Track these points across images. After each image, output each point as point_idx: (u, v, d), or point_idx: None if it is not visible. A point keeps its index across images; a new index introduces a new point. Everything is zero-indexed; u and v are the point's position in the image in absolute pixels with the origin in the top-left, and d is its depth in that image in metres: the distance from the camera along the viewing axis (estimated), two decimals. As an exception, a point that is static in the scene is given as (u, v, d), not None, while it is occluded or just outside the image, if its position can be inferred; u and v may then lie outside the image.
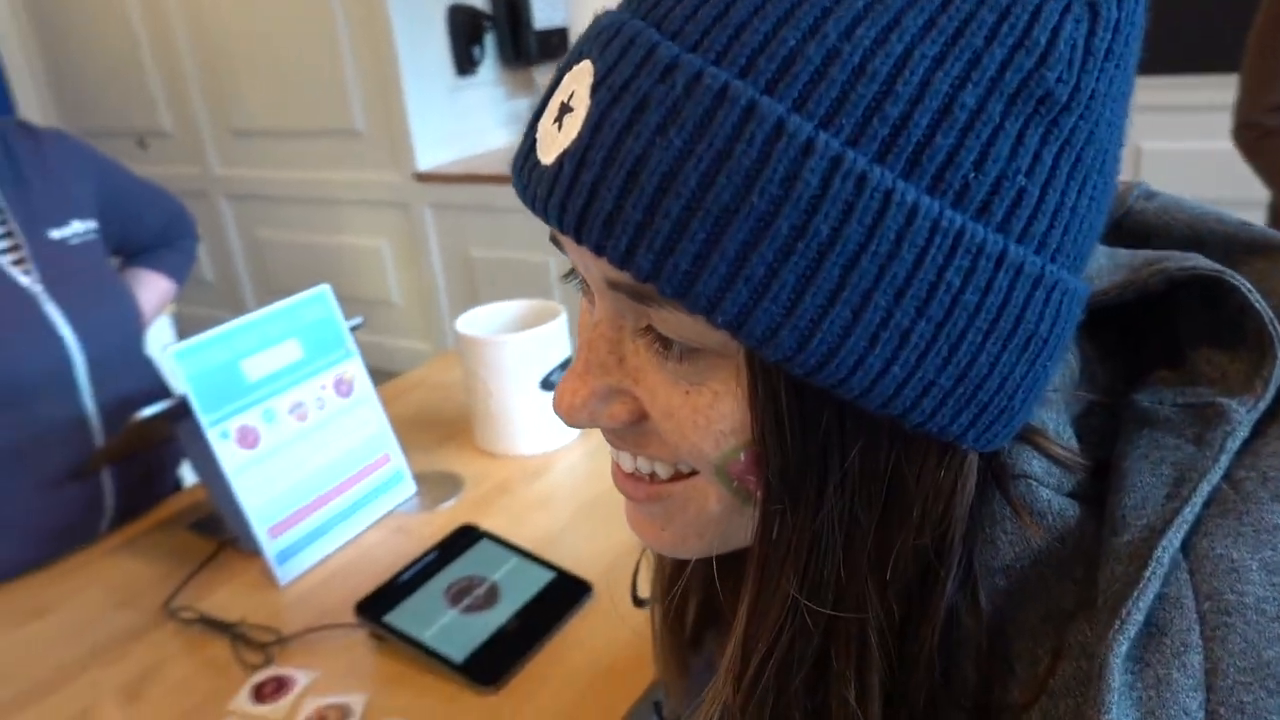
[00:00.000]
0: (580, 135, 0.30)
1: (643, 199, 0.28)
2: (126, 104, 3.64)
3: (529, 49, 3.20)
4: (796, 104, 0.28)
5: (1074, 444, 0.37)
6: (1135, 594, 0.30)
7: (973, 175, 0.28)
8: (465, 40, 3.07)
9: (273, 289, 3.59)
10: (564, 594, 0.89)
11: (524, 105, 3.44)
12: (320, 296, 1.05)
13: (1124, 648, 0.30)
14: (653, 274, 0.29)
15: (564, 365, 1.17)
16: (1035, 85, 0.28)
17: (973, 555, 0.35)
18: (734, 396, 0.33)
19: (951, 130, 0.28)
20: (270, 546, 0.95)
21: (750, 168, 0.27)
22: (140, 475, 1.16)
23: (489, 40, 3.17)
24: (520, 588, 0.89)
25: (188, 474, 1.31)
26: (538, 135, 0.33)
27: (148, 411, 0.93)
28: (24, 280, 1.04)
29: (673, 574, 0.51)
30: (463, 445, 1.23)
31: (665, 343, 0.33)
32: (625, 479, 0.40)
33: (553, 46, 3.30)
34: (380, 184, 3.18)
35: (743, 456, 0.34)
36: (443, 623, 0.85)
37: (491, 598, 0.88)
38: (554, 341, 1.14)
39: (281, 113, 3.28)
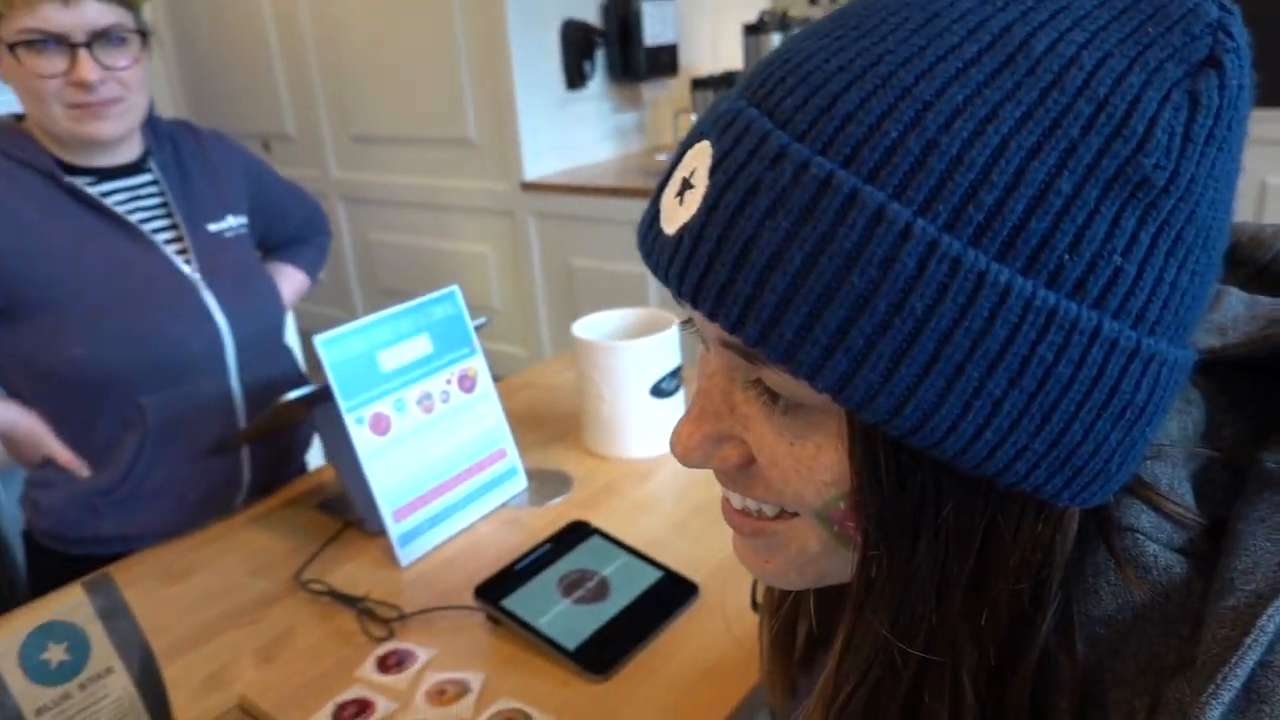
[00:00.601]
0: (699, 212, 0.33)
1: (752, 274, 0.31)
2: (255, 107, 3.85)
3: (638, 65, 3.27)
4: (896, 192, 0.30)
5: (1188, 500, 0.37)
6: (1234, 659, 0.31)
7: (1067, 257, 0.30)
8: (577, 55, 3.15)
9: (380, 289, 3.74)
10: (671, 593, 0.92)
11: (630, 119, 3.51)
12: (451, 295, 1.11)
13: (1217, 712, 0.30)
14: (760, 341, 0.32)
15: (675, 373, 1.20)
16: (1132, 171, 0.29)
17: (1071, 603, 0.36)
18: (835, 450, 0.35)
19: (1046, 215, 0.29)
20: (394, 529, 1.01)
21: (851, 251, 0.30)
22: (273, 455, 1.24)
23: (599, 55, 3.25)
24: (629, 584, 0.93)
25: (312, 459, 1.39)
26: (661, 206, 0.36)
27: (293, 394, 1.00)
28: (186, 269, 1.13)
29: (781, 596, 0.53)
30: (571, 445, 1.27)
31: (773, 396, 0.36)
32: (733, 513, 0.42)
33: (661, 63, 3.37)
34: (488, 192, 3.28)
35: (842, 505, 0.36)
36: (556, 611, 0.89)
37: (601, 591, 0.92)
38: (666, 350, 1.18)
39: (399, 120, 3.42)
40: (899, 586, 0.36)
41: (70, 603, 0.57)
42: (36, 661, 0.54)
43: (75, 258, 1.05)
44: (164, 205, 1.15)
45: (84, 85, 1.01)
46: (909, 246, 0.29)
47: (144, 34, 1.07)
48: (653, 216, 0.36)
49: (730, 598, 0.92)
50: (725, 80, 3.27)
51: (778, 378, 0.34)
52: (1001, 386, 0.30)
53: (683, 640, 0.88)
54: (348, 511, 1.10)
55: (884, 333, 0.30)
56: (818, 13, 3.95)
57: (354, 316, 3.82)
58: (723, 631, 0.88)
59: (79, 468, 1.11)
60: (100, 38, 1.01)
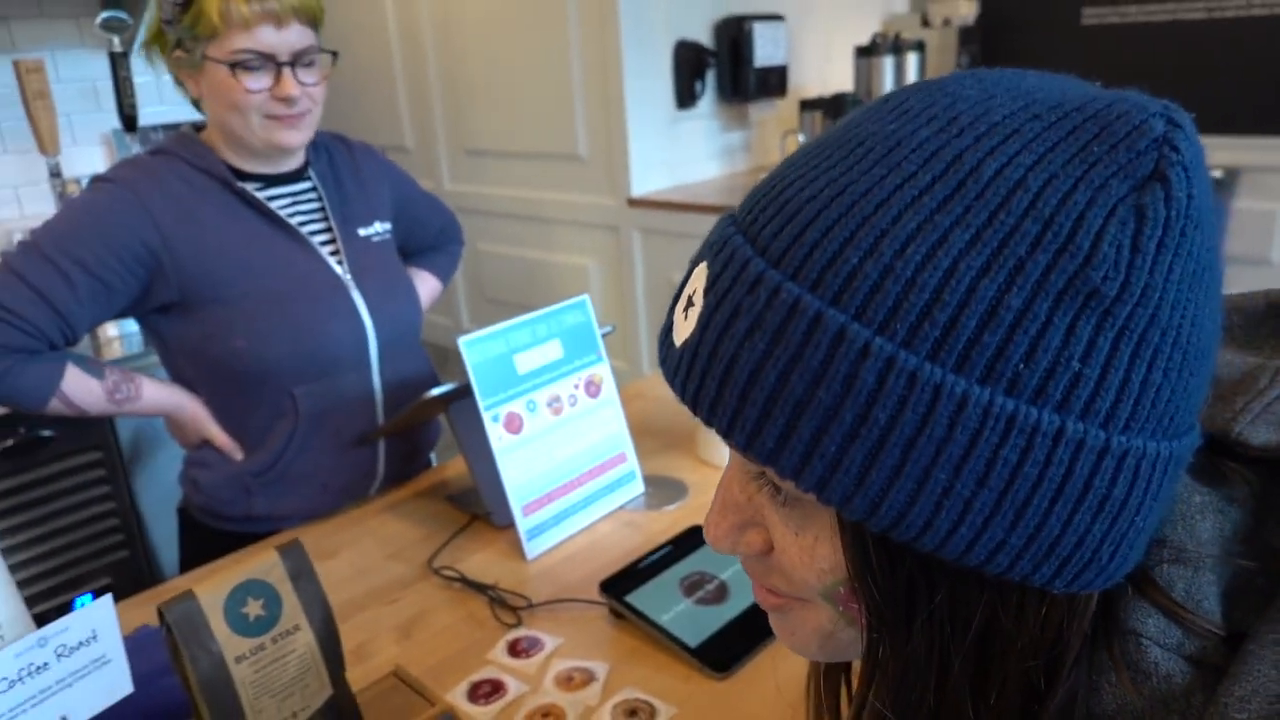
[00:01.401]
0: (695, 330, 0.37)
1: (736, 389, 0.35)
2: (377, 120, 4.03)
3: (747, 86, 3.31)
4: (857, 313, 0.33)
5: (1207, 606, 0.37)
6: None
7: (1023, 366, 0.31)
8: (688, 75, 3.21)
9: (486, 298, 3.86)
10: (788, 600, 0.95)
11: (737, 139, 3.55)
12: (581, 304, 1.16)
13: None
14: (746, 448, 0.35)
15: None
16: (1082, 284, 0.31)
17: (1076, 693, 0.38)
18: (831, 540, 0.38)
19: (999, 328, 0.31)
20: (523, 523, 1.06)
21: (817, 368, 0.33)
22: (406, 449, 1.31)
23: (710, 75, 3.30)
24: (746, 589, 0.96)
25: (434, 457, 1.46)
26: (674, 319, 0.39)
27: (436, 391, 1.07)
28: (338, 270, 1.22)
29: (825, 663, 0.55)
30: (685, 454, 1.31)
31: (776, 489, 0.40)
32: (759, 590, 0.46)
33: (770, 85, 3.40)
34: (595, 206, 3.36)
35: (842, 590, 0.39)
36: (678, 610, 0.92)
37: (721, 594, 0.95)
38: (784, 365, 1.21)
39: (511, 135, 3.54)
40: (899, 667, 0.38)
41: (266, 564, 0.63)
42: (238, 614, 0.61)
43: (243, 256, 1.15)
44: (320, 210, 1.24)
45: (287, 99, 1.12)
46: (868, 364, 0.32)
47: (333, 54, 1.17)
48: (668, 328, 0.40)
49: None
50: (834, 102, 3.28)
51: (774, 475, 0.37)
52: (969, 487, 0.33)
53: (799, 646, 0.90)
54: (476, 505, 1.16)
55: (852, 441, 0.33)
56: (931, 35, 3.93)
57: (459, 324, 3.96)
58: (838, 641, 0.90)
59: (234, 450, 1.21)
60: (300, 57, 1.12)
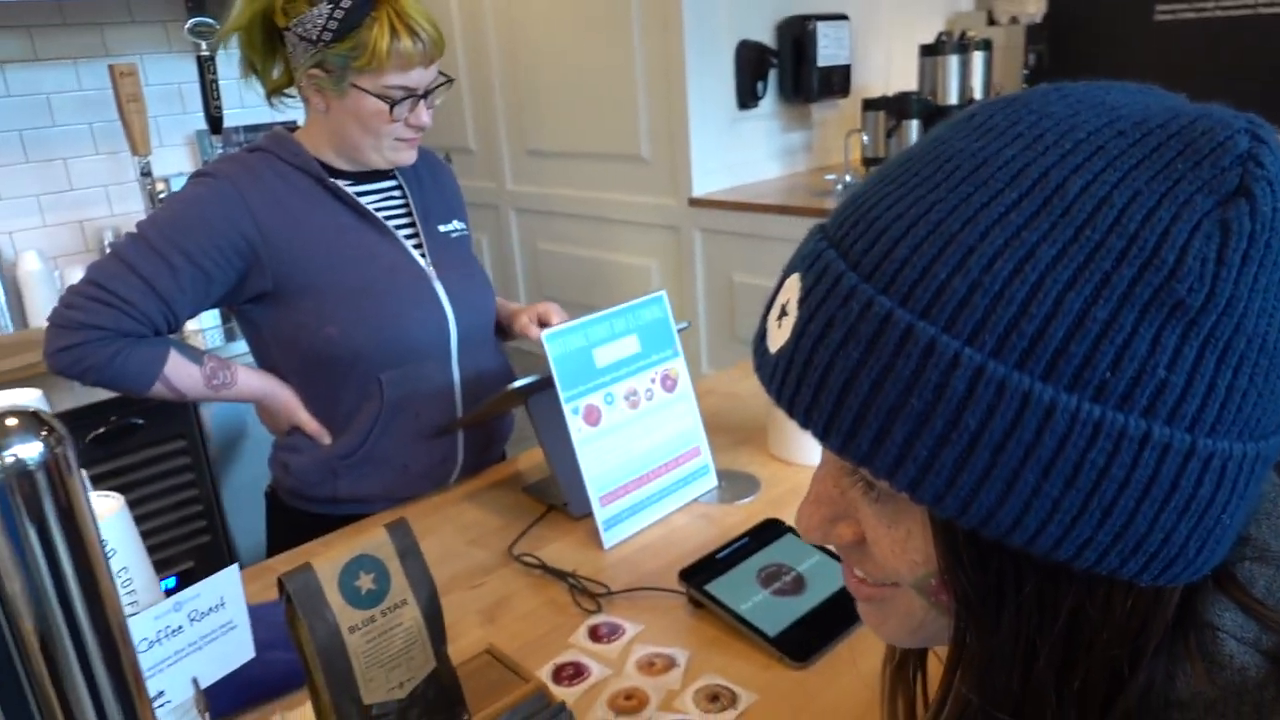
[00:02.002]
0: (790, 339, 0.39)
1: (831, 396, 0.37)
2: (441, 121, 4.09)
3: (810, 86, 3.30)
4: (946, 326, 0.34)
5: None
6: None
7: (1109, 374, 0.33)
8: (751, 75, 3.21)
9: (545, 296, 3.89)
10: (865, 593, 0.96)
11: (799, 139, 3.54)
12: (658, 300, 1.18)
13: None
14: (842, 450, 0.37)
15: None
16: (1166, 296, 0.32)
17: (1155, 680, 0.39)
18: (922, 535, 0.40)
19: (1085, 339, 0.33)
20: (600, 513, 1.09)
21: (909, 378, 0.35)
22: (483, 439, 1.35)
23: (772, 76, 3.30)
24: (824, 581, 0.97)
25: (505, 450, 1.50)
26: (767, 326, 0.42)
27: (519, 383, 1.10)
28: (421, 262, 1.26)
29: (902, 654, 0.57)
30: (756, 450, 1.32)
31: (869, 485, 0.42)
32: (851, 579, 0.48)
33: (833, 84, 3.38)
34: (656, 207, 3.38)
35: (933, 581, 0.41)
36: (756, 600, 0.94)
37: (799, 585, 0.96)
38: (858, 362, 1.21)
39: (573, 136, 3.58)
40: (987, 655, 0.40)
41: (376, 540, 0.66)
42: (351, 587, 0.64)
43: (335, 247, 1.19)
44: (405, 206, 1.29)
45: (420, 127, 1.22)
46: (958, 373, 0.34)
47: (451, 81, 1.26)
48: (762, 334, 0.42)
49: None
50: (897, 101, 3.26)
51: (868, 474, 0.39)
52: (1058, 488, 0.34)
53: (876, 640, 0.91)
54: (553, 496, 1.19)
55: (944, 445, 0.35)
56: (998, 34, 3.87)
57: (519, 321, 4.01)
58: (916, 635, 0.91)
59: (322, 435, 1.25)
60: (431, 90, 1.21)
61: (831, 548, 0.47)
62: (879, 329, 0.36)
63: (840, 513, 0.44)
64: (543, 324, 1.27)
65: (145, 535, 1.85)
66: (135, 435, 1.83)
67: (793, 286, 0.40)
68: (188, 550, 1.94)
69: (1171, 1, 3.90)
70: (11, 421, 0.32)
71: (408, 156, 1.25)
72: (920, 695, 0.57)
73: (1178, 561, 0.36)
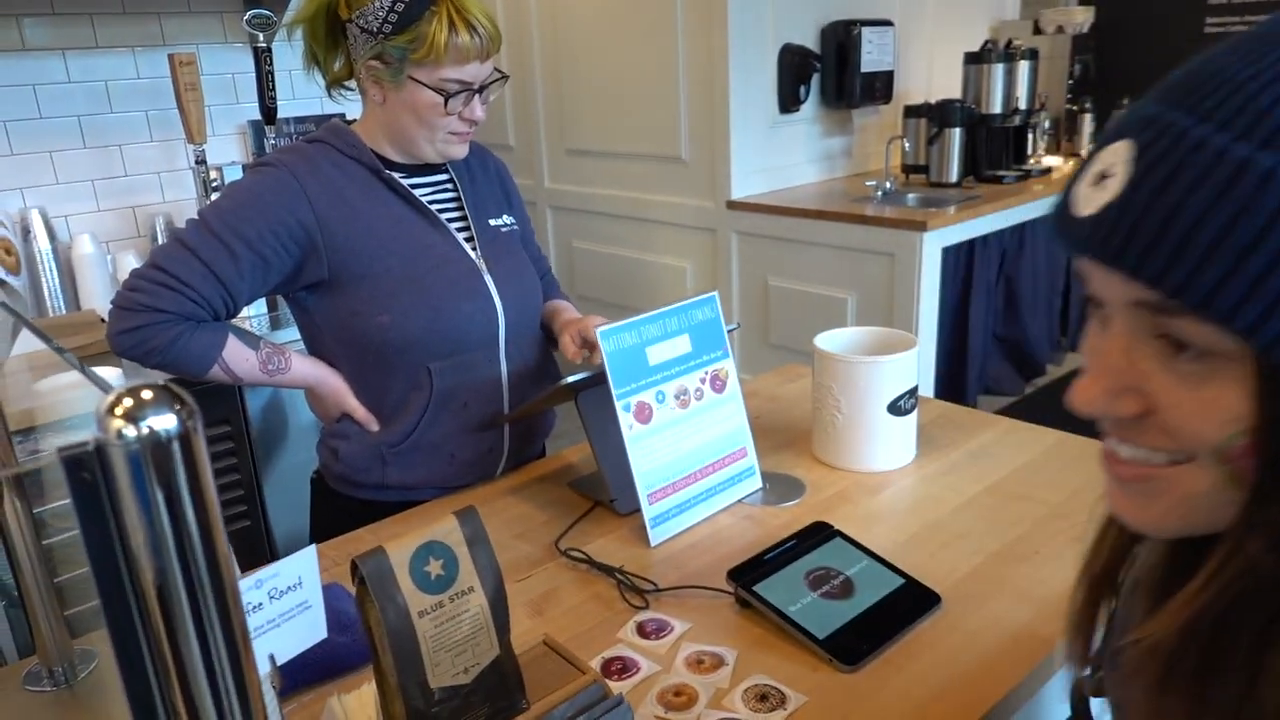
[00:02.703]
0: (1122, 194, 0.41)
1: (1174, 235, 0.38)
2: (482, 119, 4.12)
3: (853, 91, 3.29)
4: None
5: None
6: None
7: None
8: (794, 79, 3.21)
9: (578, 295, 3.91)
10: (914, 600, 0.96)
11: (838, 144, 3.53)
12: (710, 300, 1.19)
13: None
14: (1180, 290, 0.38)
15: (911, 392, 1.23)
16: None
17: None
18: (1239, 390, 0.40)
19: None
20: (648, 510, 1.09)
21: (1270, 215, 0.37)
22: (527, 434, 1.36)
23: (815, 80, 3.29)
24: (873, 585, 0.97)
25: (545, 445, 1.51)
26: (1073, 196, 0.43)
27: (572, 378, 1.11)
28: (472, 255, 1.28)
29: (1099, 574, 0.56)
30: (801, 453, 1.32)
31: (1178, 347, 0.41)
32: (1118, 463, 0.46)
33: (876, 90, 3.37)
34: (694, 209, 3.38)
35: (1241, 443, 0.40)
36: (804, 602, 0.94)
37: (847, 589, 0.96)
38: (906, 369, 1.21)
39: (613, 136, 3.58)
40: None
41: (446, 527, 0.67)
42: (421, 572, 0.65)
43: (389, 237, 1.21)
44: (456, 199, 1.30)
45: (474, 121, 1.23)
46: None
47: (506, 78, 1.26)
48: (1062, 207, 0.44)
49: (972, 611, 0.95)
50: (939, 109, 3.24)
51: (1189, 326, 0.40)
52: None
53: (925, 646, 0.91)
54: (600, 492, 1.20)
55: None
56: (1043, 43, 3.84)
57: (552, 319, 4.02)
58: (964, 645, 0.91)
59: (371, 423, 1.27)
60: (486, 85, 1.22)
61: (1106, 423, 0.46)
62: (1235, 172, 0.38)
63: (1127, 384, 0.44)
64: (587, 345, 1.26)
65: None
66: (181, 419, 1.86)
67: (1119, 150, 0.42)
68: (227, 535, 1.96)
69: (1222, 14, 3.85)
70: (147, 395, 0.33)
71: (460, 151, 1.26)
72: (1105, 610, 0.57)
73: None
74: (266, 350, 1.22)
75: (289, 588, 0.59)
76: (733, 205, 3.20)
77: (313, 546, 0.61)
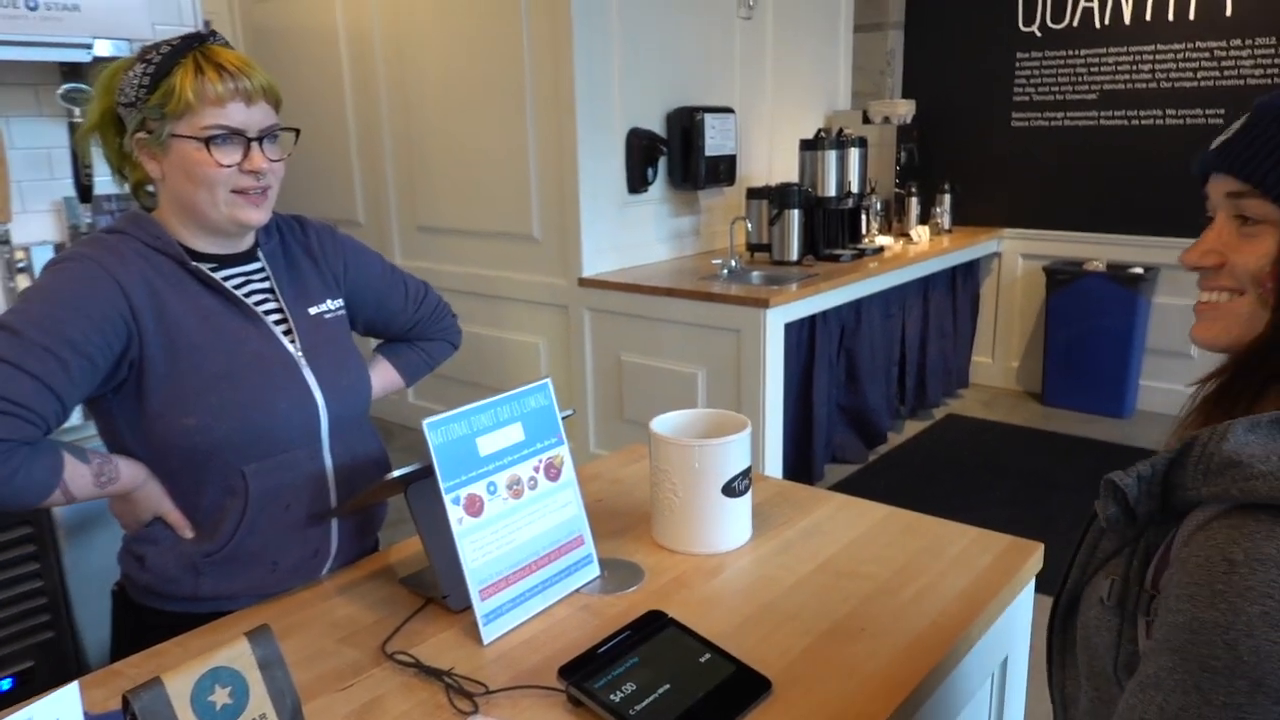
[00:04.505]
0: (1238, 133, 0.71)
1: (1267, 149, 0.68)
2: (330, 193, 4.04)
3: (698, 173, 3.42)
4: None
5: None
6: None
7: None
8: (641, 161, 3.31)
9: (434, 373, 3.83)
10: (744, 687, 0.96)
11: (686, 223, 3.65)
12: (544, 387, 1.18)
13: None
14: (1251, 178, 0.69)
15: (745, 473, 1.26)
16: None
17: None
18: (1272, 240, 0.69)
19: None
20: (480, 606, 1.06)
21: None
22: (357, 529, 1.30)
23: (661, 163, 3.40)
24: (705, 675, 0.97)
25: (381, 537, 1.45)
26: (1211, 144, 0.73)
27: (398, 472, 1.07)
28: (290, 348, 1.22)
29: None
30: (640, 537, 1.32)
31: (1245, 220, 0.71)
32: (1201, 304, 0.75)
33: (719, 173, 3.52)
34: (546, 286, 3.40)
35: (1270, 269, 0.69)
36: (635, 696, 0.93)
37: (679, 680, 0.96)
38: (740, 451, 1.24)
39: (466, 214, 3.58)
40: None
41: (235, 650, 0.63)
42: (204, 703, 0.60)
43: (197, 332, 1.14)
44: (271, 290, 1.25)
45: (255, 173, 1.15)
46: None
47: (296, 131, 1.19)
48: (1204, 150, 0.74)
49: (802, 697, 0.96)
50: (779, 191, 3.41)
51: (1254, 204, 0.69)
52: None
53: (757, 733, 0.91)
54: (431, 588, 1.16)
55: None
56: (872, 131, 4.12)
57: (405, 397, 3.92)
58: (794, 728, 0.91)
59: (185, 529, 1.18)
60: (266, 134, 1.16)
61: (1199, 277, 0.75)
62: None
63: (1213, 249, 0.73)
64: None
65: (-21, 633, 1.69)
66: (-27, 522, 1.69)
67: (1241, 119, 0.73)
68: (28, 648, 1.78)
69: (1026, 110, 4.25)
70: None
71: (254, 215, 1.17)
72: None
73: None
74: (97, 460, 1.12)
75: (43, 734, 0.53)
76: (584, 282, 3.24)
77: (74, 685, 0.55)
